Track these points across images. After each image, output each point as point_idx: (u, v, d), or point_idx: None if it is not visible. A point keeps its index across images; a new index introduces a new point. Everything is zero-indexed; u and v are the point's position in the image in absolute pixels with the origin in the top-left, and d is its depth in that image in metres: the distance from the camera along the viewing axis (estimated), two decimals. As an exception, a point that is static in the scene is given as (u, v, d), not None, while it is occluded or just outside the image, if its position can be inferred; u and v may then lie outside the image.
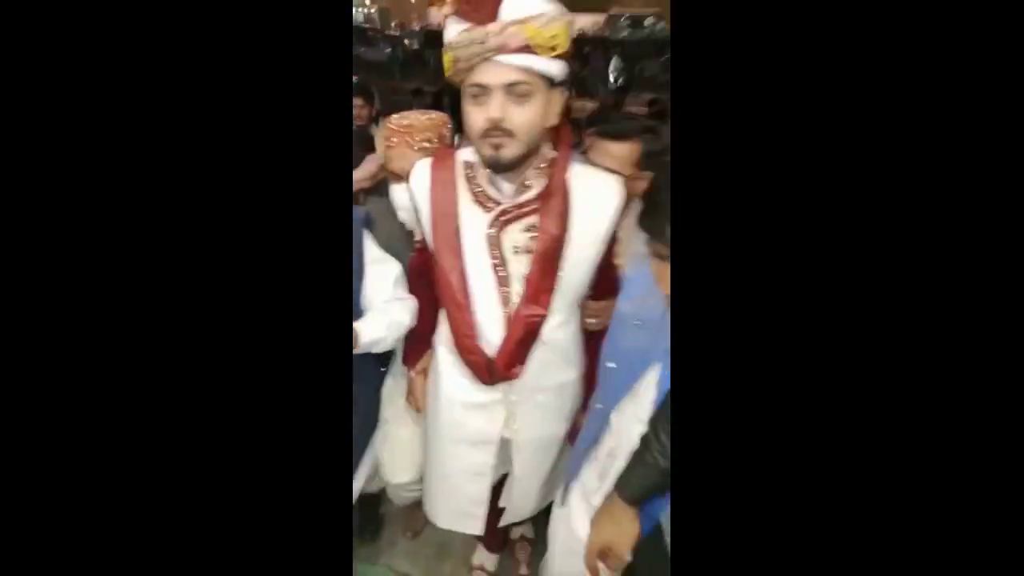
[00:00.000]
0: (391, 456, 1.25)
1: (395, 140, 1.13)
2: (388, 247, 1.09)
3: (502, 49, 0.75)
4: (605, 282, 0.98)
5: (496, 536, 1.36)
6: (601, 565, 0.82)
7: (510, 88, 0.78)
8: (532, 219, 0.89)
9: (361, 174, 1.30)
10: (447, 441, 1.10)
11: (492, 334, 0.95)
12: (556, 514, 1.09)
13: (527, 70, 0.78)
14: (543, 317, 0.92)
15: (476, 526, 1.16)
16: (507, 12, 0.75)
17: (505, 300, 0.93)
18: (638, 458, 0.79)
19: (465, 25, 0.77)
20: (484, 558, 1.45)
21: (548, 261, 0.89)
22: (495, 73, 0.78)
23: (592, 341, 1.05)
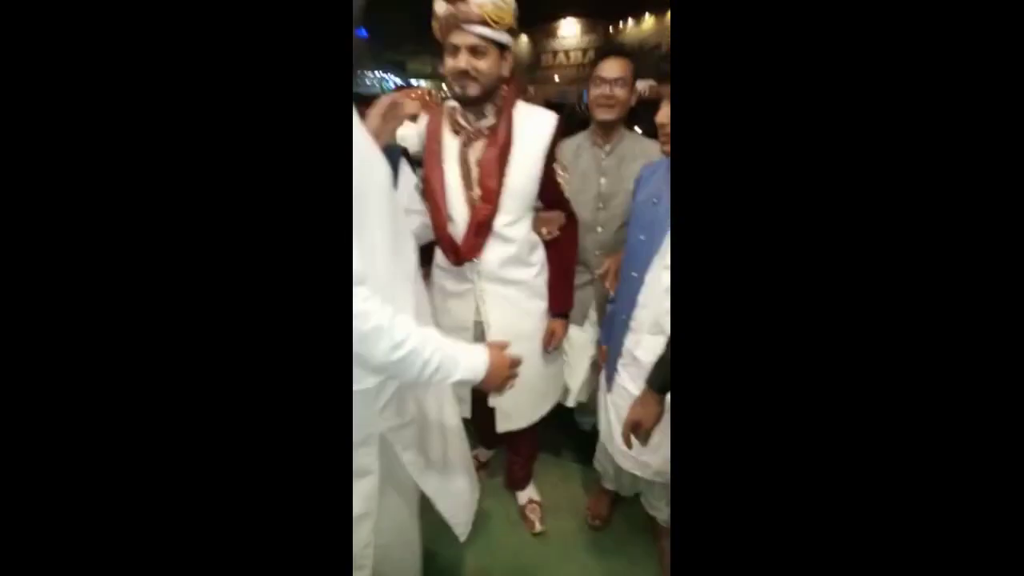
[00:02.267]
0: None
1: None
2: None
3: (467, 20, 1.08)
4: (550, 195, 1.30)
5: (489, 435, 1.62)
6: (632, 437, 1.07)
7: (472, 49, 1.12)
8: (487, 139, 1.20)
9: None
10: (441, 328, 1.31)
11: (459, 225, 1.25)
12: (604, 400, 1.35)
13: (483, 37, 1.10)
14: (492, 211, 1.22)
15: (465, 409, 1.37)
16: None
17: (469, 200, 1.23)
18: (662, 356, 1.04)
19: (445, 3, 1.10)
20: (480, 451, 1.82)
21: (494, 167, 1.19)
22: (463, 38, 1.11)
23: (551, 251, 1.36)
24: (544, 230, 1.33)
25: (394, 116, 1.12)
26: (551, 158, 1.25)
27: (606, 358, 1.33)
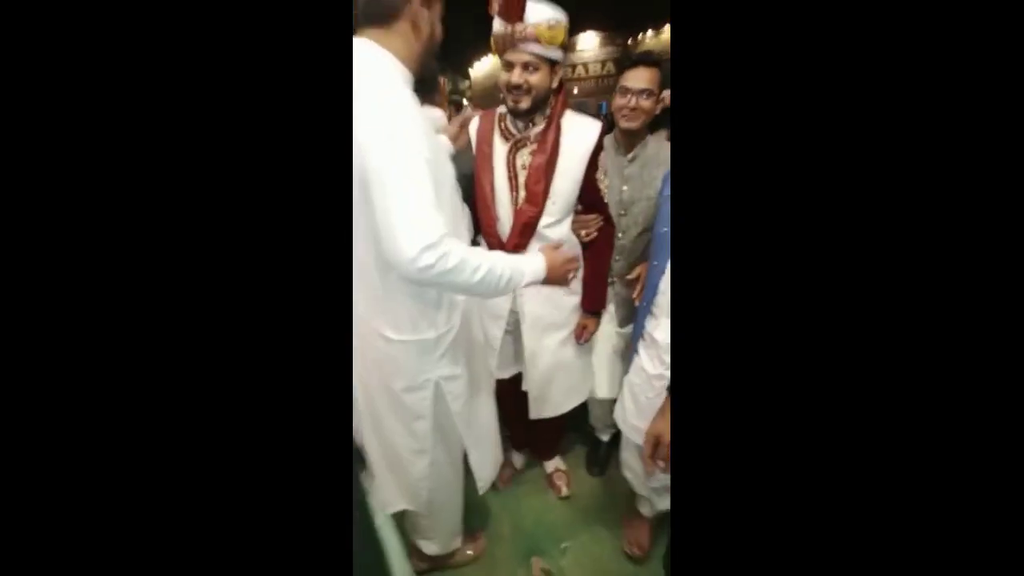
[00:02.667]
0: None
1: None
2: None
3: (522, 39, 1.19)
4: (589, 198, 1.39)
5: (520, 437, 1.86)
6: (650, 457, 1.07)
7: (525, 65, 1.23)
8: (535, 146, 1.32)
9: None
10: (480, 316, 1.50)
11: (505, 225, 1.37)
12: (624, 384, 1.46)
13: (536, 54, 1.21)
14: (537, 214, 1.34)
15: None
16: (528, 17, 1.19)
17: (515, 201, 1.35)
18: None
19: (502, 23, 1.21)
20: (514, 456, 1.92)
21: (542, 174, 1.31)
22: (517, 55, 1.22)
23: (586, 251, 1.45)
24: (583, 232, 1.42)
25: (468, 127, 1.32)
26: (593, 165, 1.34)
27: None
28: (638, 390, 1.37)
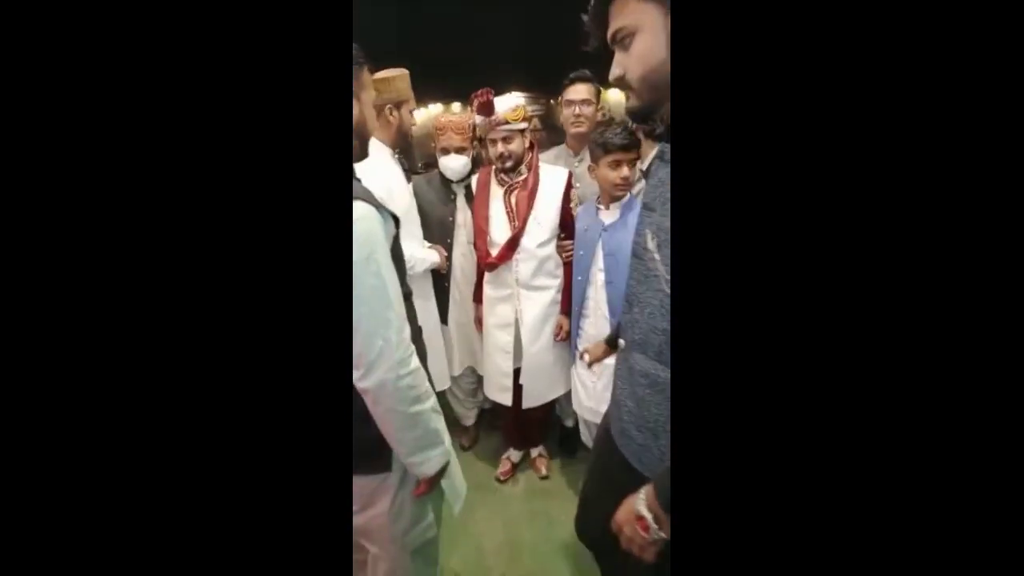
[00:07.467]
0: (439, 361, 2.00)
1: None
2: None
3: (497, 124, 1.76)
4: (567, 227, 1.88)
5: (517, 437, 2.21)
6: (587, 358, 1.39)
7: (503, 139, 1.80)
8: (520, 187, 1.86)
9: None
10: (490, 327, 1.97)
11: (498, 246, 1.86)
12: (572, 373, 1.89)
13: (508, 129, 1.78)
14: (522, 230, 1.84)
15: (507, 398, 1.96)
16: (497, 109, 1.74)
17: (512, 228, 1.86)
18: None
19: (482, 118, 1.77)
20: (511, 453, 2.25)
21: (525, 203, 1.84)
22: (495, 134, 1.79)
23: (566, 268, 1.91)
24: (564, 254, 1.90)
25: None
26: (567, 198, 1.85)
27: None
28: (584, 378, 1.80)
